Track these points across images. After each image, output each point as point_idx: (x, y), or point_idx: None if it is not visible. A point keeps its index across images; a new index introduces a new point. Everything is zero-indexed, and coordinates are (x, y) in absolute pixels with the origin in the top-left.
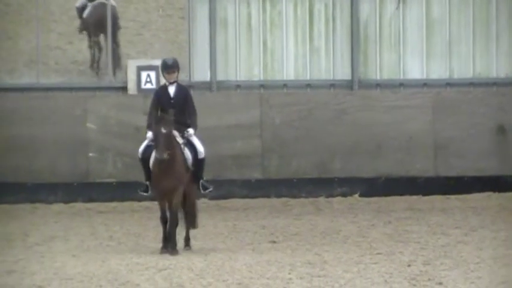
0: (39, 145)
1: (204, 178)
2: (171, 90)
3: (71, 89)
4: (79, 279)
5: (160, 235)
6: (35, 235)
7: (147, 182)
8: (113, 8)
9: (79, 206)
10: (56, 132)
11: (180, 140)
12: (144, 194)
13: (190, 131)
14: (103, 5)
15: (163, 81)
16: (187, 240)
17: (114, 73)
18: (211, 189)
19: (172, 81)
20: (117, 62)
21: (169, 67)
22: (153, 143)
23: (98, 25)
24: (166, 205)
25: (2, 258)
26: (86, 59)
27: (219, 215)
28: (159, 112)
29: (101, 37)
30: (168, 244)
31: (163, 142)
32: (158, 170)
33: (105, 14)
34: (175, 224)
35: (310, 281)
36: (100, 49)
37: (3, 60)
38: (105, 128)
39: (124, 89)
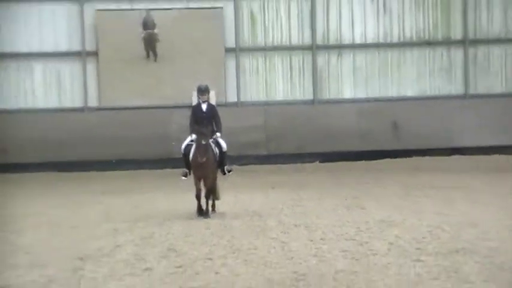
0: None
1: (227, 165)
2: (204, 106)
3: (156, 107)
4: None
5: (195, 207)
6: None
7: (187, 170)
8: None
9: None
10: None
11: (209, 140)
12: (184, 178)
13: (218, 134)
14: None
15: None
16: (213, 206)
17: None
18: (231, 172)
19: (204, 100)
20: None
21: (203, 91)
22: (192, 142)
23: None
24: (202, 185)
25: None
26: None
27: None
28: (196, 126)
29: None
30: (201, 211)
31: (203, 151)
32: (196, 162)
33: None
34: (208, 196)
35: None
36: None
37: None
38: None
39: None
